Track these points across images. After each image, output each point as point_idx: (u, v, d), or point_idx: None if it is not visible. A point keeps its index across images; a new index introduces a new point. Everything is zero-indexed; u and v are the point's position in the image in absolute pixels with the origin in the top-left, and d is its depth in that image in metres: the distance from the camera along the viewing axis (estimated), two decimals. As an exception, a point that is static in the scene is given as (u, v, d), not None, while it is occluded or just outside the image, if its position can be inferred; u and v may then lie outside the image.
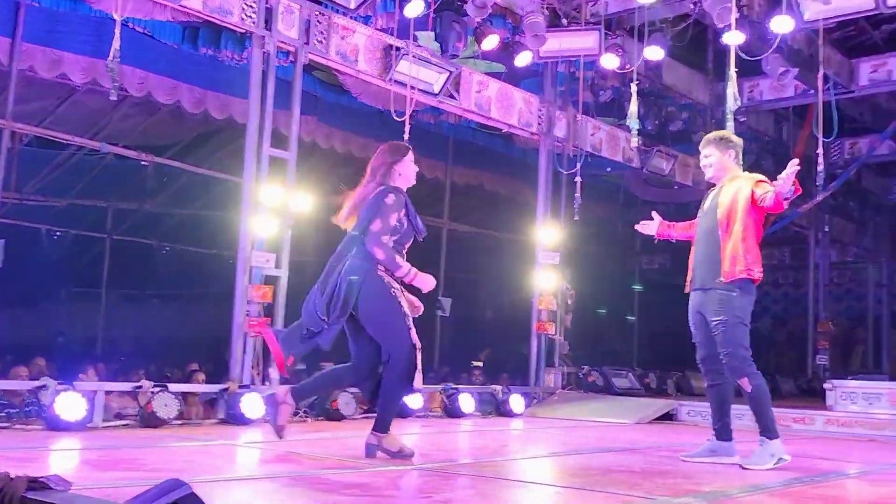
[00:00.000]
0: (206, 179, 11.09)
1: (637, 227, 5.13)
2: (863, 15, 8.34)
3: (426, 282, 4.30)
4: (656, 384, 10.95)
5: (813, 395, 10.85)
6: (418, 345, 4.19)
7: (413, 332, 4.20)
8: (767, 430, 4.44)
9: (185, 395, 6.23)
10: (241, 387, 6.38)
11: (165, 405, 5.81)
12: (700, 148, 4.81)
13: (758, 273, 4.50)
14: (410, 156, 4.46)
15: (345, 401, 6.75)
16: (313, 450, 4.86)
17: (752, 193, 4.45)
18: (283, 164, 6.93)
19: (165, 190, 12.28)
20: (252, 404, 6.13)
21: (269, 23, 6.79)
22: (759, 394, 4.48)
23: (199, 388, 6.68)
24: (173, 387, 6.10)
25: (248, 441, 5.32)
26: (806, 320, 14.85)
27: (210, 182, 11.16)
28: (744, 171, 4.84)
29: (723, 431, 4.67)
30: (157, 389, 5.90)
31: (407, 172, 4.43)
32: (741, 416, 5.34)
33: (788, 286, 17.61)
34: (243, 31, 6.81)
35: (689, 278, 4.75)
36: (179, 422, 5.90)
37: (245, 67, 7.11)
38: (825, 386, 8.66)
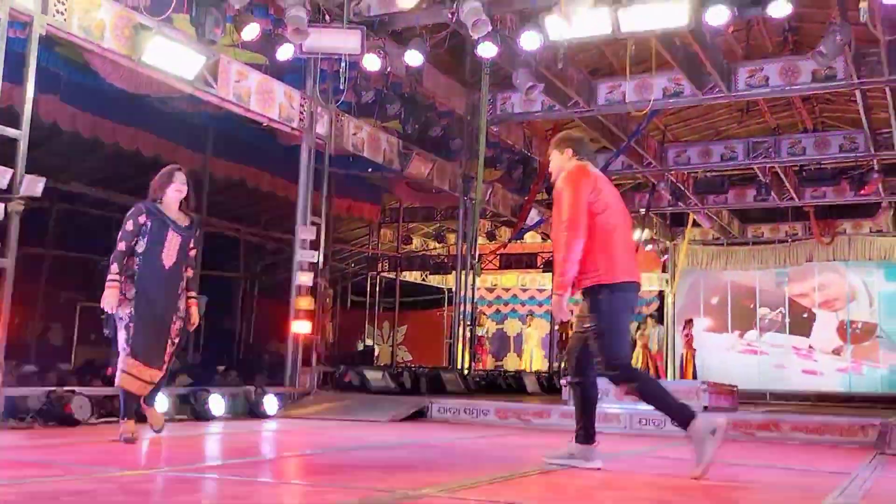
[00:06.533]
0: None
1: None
2: (601, 38, 9.02)
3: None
4: (410, 383, 11.19)
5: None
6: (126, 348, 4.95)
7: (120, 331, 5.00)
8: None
9: None
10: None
11: None
12: (548, 153, 4.74)
13: None
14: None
15: (79, 404, 6.23)
16: (40, 456, 4.43)
17: None
18: (15, 145, 6.27)
19: None
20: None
21: (-1, -13, 6.12)
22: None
23: None
24: None
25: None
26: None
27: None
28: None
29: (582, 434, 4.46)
30: None
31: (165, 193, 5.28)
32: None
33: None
34: (-33, -7, 6.08)
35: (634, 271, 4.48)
36: None
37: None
38: (562, 383, 9.33)
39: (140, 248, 5.06)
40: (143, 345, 4.99)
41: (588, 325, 4.32)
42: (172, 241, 5.14)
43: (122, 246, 5.01)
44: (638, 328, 19.25)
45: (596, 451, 4.43)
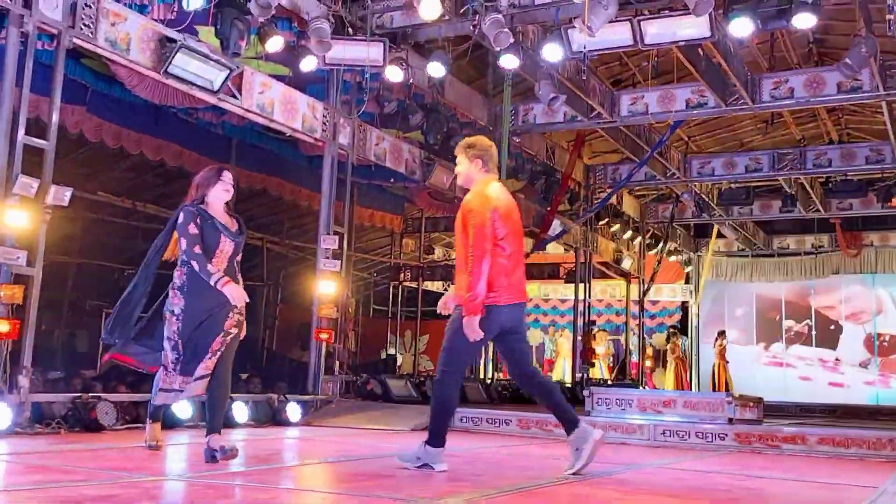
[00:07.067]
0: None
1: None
2: (623, 49, 9.02)
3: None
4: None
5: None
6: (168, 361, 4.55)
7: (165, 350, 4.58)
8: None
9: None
10: (-17, 395, 5.76)
11: None
12: (456, 154, 4.75)
13: None
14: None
15: (104, 410, 6.30)
16: (65, 461, 4.48)
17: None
18: (43, 155, 6.36)
19: None
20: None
21: (28, 2, 6.23)
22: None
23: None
24: None
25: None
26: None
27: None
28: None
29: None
30: None
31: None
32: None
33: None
34: (-1, 6, 6.19)
35: (521, 289, 4.62)
36: None
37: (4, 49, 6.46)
38: (584, 393, 9.28)
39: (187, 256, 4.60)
40: (185, 362, 4.58)
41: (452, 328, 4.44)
42: (224, 249, 4.63)
43: (198, 249, 4.51)
44: (668, 340, 19.15)
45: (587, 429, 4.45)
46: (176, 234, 4.66)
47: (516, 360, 4.66)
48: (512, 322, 4.53)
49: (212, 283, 4.49)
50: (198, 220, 4.55)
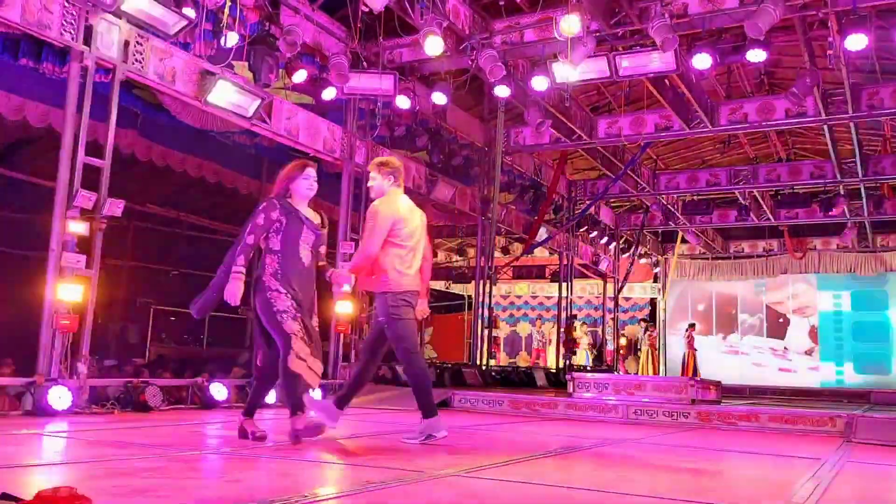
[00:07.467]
0: (20, 184, 9.99)
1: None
2: (601, 81, 9.03)
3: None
4: (435, 377, 11.14)
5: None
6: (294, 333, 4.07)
7: (286, 323, 4.09)
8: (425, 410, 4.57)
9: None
10: (47, 380, 5.76)
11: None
12: (369, 169, 4.85)
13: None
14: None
15: (152, 393, 6.29)
16: (119, 437, 4.47)
17: None
18: (100, 172, 6.37)
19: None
20: (59, 397, 5.57)
21: (88, 39, 6.24)
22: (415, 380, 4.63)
23: (4, 381, 5.94)
24: (-26, 381, 5.39)
25: (54, 431, 4.80)
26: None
27: (24, 186, 10.07)
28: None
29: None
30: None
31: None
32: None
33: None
34: (62, 45, 6.20)
35: (416, 281, 4.71)
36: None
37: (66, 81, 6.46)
38: (566, 377, 9.27)
39: (275, 245, 4.21)
40: (312, 336, 4.19)
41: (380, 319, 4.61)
42: (307, 240, 4.29)
43: (250, 240, 4.15)
44: (646, 331, 19.11)
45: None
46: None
47: (382, 339, 4.72)
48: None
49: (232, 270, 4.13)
50: (273, 213, 4.19)
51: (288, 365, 4.06)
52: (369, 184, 4.79)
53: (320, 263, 4.48)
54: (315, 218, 4.41)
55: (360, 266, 4.60)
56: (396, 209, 4.61)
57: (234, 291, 4.10)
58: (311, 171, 4.37)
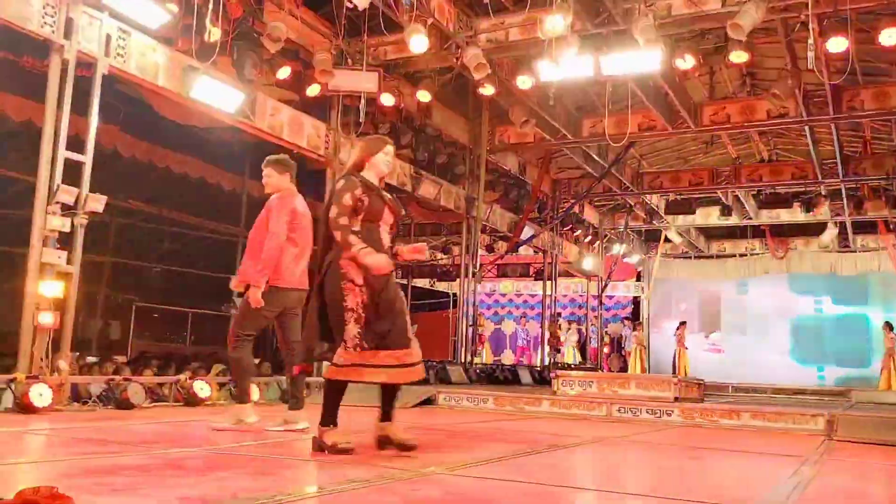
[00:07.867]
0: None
1: None
2: (585, 80, 9.04)
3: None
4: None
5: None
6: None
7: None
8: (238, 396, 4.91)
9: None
10: (28, 377, 5.69)
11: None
12: (263, 167, 4.99)
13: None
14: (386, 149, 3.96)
15: (134, 390, 6.24)
16: (101, 435, 4.43)
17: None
18: (81, 168, 6.31)
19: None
20: (40, 394, 5.50)
21: (68, 33, 6.17)
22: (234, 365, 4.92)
23: (-19, 380, 5.87)
24: (-48, 379, 5.31)
25: (35, 429, 4.74)
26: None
27: (3, 181, 9.95)
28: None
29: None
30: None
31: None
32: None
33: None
34: (41, 38, 6.12)
35: (303, 278, 4.91)
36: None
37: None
38: (551, 375, 9.29)
39: (355, 225, 3.76)
40: (387, 332, 3.89)
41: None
42: (387, 219, 3.88)
43: (344, 220, 3.69)
44: (634, 329, 19.20)
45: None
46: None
47: (285, 333, 4.94)
48: (291, 301, 4.85)
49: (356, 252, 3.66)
50: (357, 191, 3.74)
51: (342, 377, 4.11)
52: (264, 181, 4.98)
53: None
54: (389, 196, 3.98)
55: (269, 262, 4.71)
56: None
57: (382, 261, 3.70)
58: (391, 148, 3.97)
